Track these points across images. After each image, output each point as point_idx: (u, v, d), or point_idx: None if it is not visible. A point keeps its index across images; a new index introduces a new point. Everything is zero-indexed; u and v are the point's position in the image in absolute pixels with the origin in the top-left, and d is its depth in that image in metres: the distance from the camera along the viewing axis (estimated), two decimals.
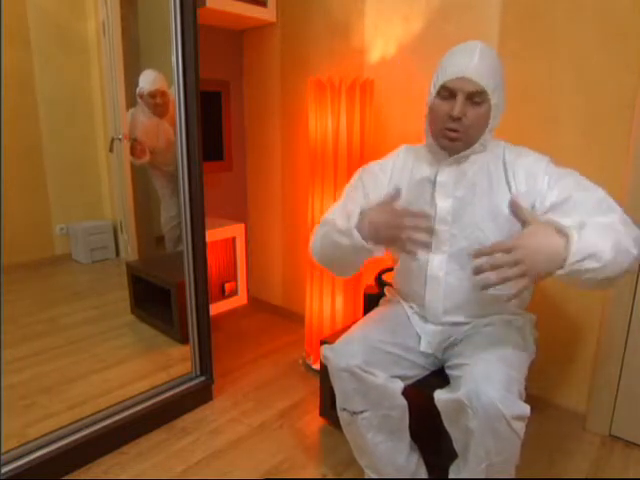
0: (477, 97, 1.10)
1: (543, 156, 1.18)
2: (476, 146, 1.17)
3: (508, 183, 1.16)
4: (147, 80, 1.93)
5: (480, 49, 1.10)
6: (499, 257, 0.91)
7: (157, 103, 1.93)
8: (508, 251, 0.91)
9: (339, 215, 1.23)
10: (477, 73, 1.08)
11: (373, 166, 1.35)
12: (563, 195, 1.10)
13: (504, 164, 1.18)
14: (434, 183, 1.23)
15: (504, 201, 1.15)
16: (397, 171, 1.31)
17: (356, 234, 1.08)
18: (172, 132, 1.76)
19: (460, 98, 1.10)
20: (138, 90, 1.93)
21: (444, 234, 1.22)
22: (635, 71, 1.45)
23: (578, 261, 0.91)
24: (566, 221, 0.95)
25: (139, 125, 2.01)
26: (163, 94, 1.88)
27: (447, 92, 1.12)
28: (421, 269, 1.27)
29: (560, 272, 0.92)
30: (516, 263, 0.90)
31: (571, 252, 0.91)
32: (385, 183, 1.30)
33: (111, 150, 2.00)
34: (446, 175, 1.21)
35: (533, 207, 1.12)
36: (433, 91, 1.16)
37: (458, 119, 1.11)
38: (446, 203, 1.21)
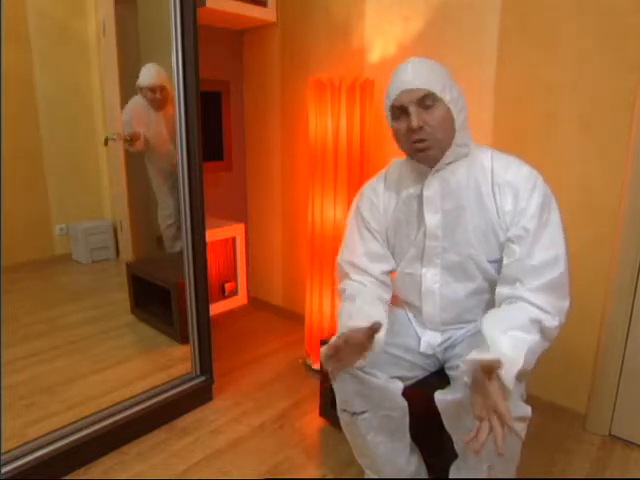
0: (427, 100, 1.09)
1: (532, 172, 1.14)
2: (454, 149, 1.15)
3: (494, 197, 1.15)
4: (147, 74, 1.93)
5: (412, 62, 1.12)
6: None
7: (156, 97, 1.93)
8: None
9: (349, 266, 1.32)
10: (416, 80, 1.09)
11: (366, 191, 1.35)
12: (517, 239, 1.11)
13: (492, 176, 1.16)
14: (421, 198, 1.22)
15: (493, 215, 1.15)
16: (387, 190, 1.31)
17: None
18: (165, 124, 1.75)
19: (412, 109, 1.09)
20: (137, 83, 1.93)
21: (435, 249, 1.21)
22: (635, 71, 1.45)
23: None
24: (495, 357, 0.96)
25: (134, 113, 2.01)
26: (162, 89, 1.88)
27: (399, 110, 1.13)
28: (415, 283, 1.27)
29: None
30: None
31: (508, 381, 0.94)
32: (379, 206, 1.31)
33: (105, 144, 1.99)
34: (432, 189, 1.19)
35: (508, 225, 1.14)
36: (388, 116, 1.17)
37: (420, 129, 1.10)
38: (435, 218, 1.20)
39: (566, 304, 1.11)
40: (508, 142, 1.73)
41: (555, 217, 1.12)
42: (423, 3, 1.85)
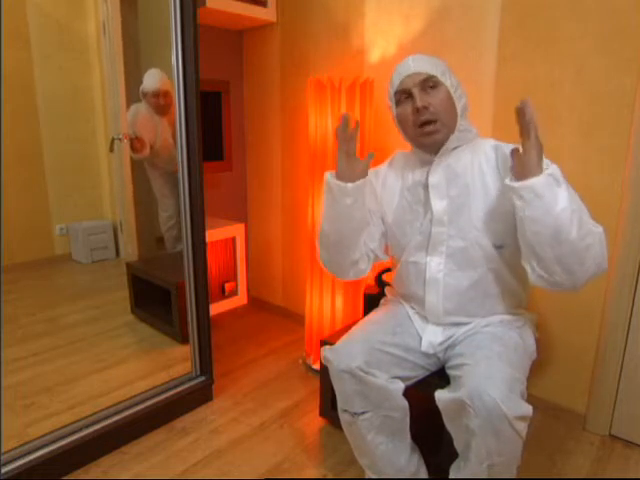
0: (430, 82, 1.15)
1: None
2: (457, 134, 1.18)
3: (501, 178, 1.15)
4: (151, 80, 1.93)
5: (413, 56, 1.19)
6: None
7: (160, 103, 1.93)
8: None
9: None
10: (419, 66, 1.16)
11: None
12: None
13: (497, 160, 1.19)
14: (426, 186, 1.23)
15: (500, 197, 1.15)
16: (390, 177, 1.33)
17: (328, 176, 1.18)
18: (170, 131, 1.76)
19: (416, 91, 1.15)
20: (141, 89, 1.93)
21: (441, 235, 1.22)
22: (635, 71, 1.45)
23: (546, 185, 0.99)
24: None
25: (139, 121, 2.01)
26: (166, 94, 1.88)
27: (403, 94, 1.18)
28: (420, 272, 1.28)
29: (533, 181, 0.99)
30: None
31: (546, 173, 0.99)
32: (378, 188, 1.33)
33: (111, 150, 2.00)
34: (437, 176, 1.21)
35: None
36: (392, 104, 1.22)
37: (425, 109, 1.14)
38: (441, 204, 1.21)
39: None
40: (508, 141, 1.72)
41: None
42: (423, 3, 1.85)
